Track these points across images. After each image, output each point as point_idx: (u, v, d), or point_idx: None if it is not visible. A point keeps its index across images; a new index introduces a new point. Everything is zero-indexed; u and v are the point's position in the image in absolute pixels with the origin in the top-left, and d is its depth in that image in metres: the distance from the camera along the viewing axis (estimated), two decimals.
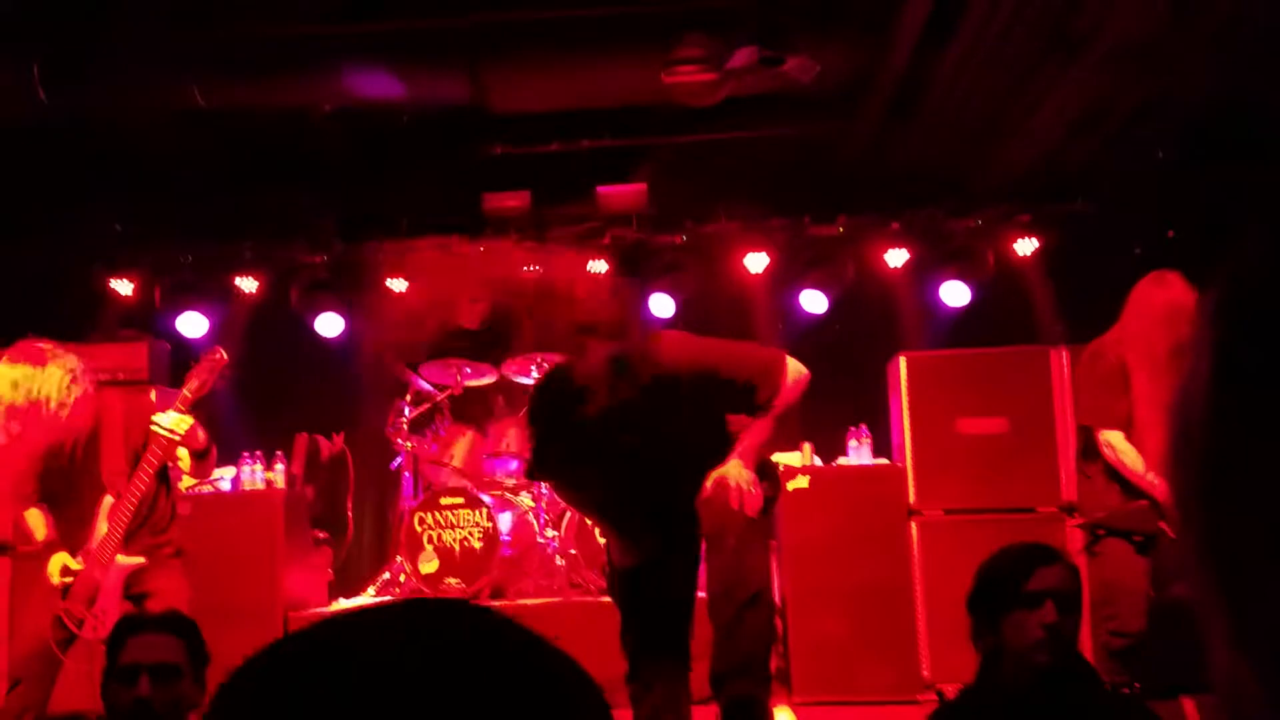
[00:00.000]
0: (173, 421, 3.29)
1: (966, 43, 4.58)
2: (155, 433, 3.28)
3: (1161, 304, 3.51)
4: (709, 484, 2.87)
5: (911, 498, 5.08)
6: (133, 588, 3.37)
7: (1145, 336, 3.51)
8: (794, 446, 5.28)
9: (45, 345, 3.26)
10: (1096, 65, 4.47)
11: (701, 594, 3.12)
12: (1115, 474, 3.62)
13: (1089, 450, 3.73)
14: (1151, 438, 3.52)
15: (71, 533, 3.38)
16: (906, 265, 6.21)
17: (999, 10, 4.29)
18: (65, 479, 3.34)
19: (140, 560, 3.35)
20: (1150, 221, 5.78)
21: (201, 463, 3.51)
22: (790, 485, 4.95)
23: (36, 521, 3.42)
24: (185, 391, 3.36)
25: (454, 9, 4.78)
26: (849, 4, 4.68)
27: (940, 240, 6.16)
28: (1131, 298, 3.65)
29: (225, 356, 3.45)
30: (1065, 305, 5.95)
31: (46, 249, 6.12)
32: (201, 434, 3.37)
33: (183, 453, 3.41)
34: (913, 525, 5.05)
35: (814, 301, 6.24)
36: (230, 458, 5.50)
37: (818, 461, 5.33)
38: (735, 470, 2.88)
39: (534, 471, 3.09)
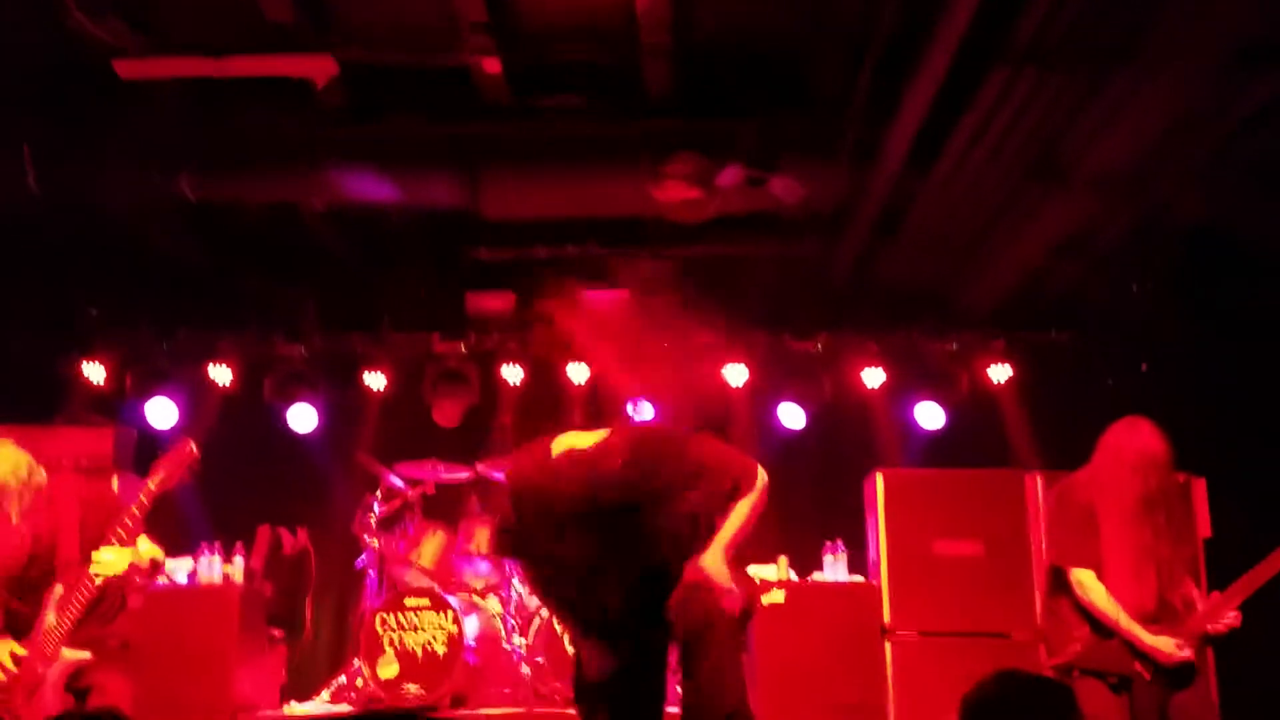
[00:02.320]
0: (111, 561, 3.18)
1: (951, 166, 4.70)
2: (94, 572, 3.16)
3: (1132, 452, 3.53)
4: (687, 574, 2.83)
5: (887, 617, 5.02)
6: (76, 681, 3.24)
7: (1115, 484, 3.53)
8: (770, 559, 5.23)
9: None
10: (1081, 192, 4.59)
11: (674, 709, 3.02)
12: (1085, 612, 3.59)
13: (1056, 587, 3.71)
14: (1121, 582, 3.51)
15: (19, 620, 3.27)
16: (883, 385, 6.27)
17: (986, 135, 4.40)
18: (19, 567, 3.24)
19: (86, 655, 3.24)
20: (1125, 353, 5.89)
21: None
22: (765, 599, 4.88)
23: None
24: (150, 485, 3.28)
25: (453, 119, 4.88)
26: (837, 128, 4.82)
27: (917, 362, 6.24)
28: (1103, 442, 3.67)
29: (195, 450, 3.35)
30: (1039, 431, 6.00)
31: (18, 329, 6.04)
32: (144, 567, 3.25)
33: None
34: (887, 645, 4.98)
35: (792, 416, 6.27)
36: (189, 547, 5.34)
37: (793, 575, 5.27)
38: (713, 563, 2.84)
39: (504, 547, 3.06)
